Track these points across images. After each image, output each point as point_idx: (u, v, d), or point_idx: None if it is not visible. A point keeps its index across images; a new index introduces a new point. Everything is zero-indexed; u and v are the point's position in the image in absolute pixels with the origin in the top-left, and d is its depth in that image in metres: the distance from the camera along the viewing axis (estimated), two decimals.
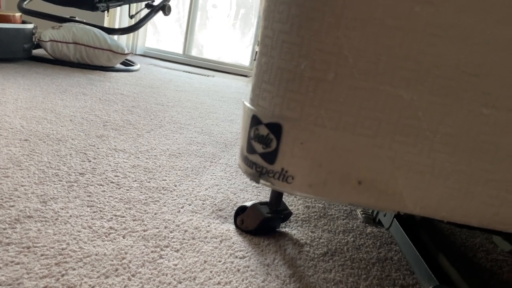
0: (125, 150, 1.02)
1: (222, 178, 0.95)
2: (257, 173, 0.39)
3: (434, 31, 0.34)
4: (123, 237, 0.62)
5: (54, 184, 0.76)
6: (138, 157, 0.98)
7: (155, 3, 2.48)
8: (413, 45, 0.34)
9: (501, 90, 0.34)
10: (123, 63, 2.42)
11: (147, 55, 3.40)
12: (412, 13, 0.33)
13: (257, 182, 0.40)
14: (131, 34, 3.09)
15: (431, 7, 0.33)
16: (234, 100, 2.12)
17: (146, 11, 2.53)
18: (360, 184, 0.36)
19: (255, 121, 0.39)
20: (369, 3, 0.34)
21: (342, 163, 0.35)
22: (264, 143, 0.38)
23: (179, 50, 3.53)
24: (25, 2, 2.29)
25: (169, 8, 2.45)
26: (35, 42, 1.97)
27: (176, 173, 0.92)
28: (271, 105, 0.38)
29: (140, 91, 1.85)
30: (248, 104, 0.42)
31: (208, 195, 0.83)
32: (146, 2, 2.48)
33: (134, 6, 2.81)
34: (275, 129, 0.37)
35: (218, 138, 1.30)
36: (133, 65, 2.45)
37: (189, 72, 2.89)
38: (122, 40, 3.18)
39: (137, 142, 1.10)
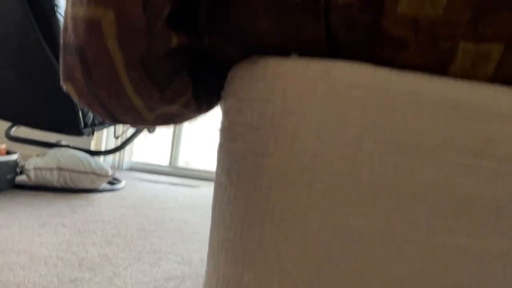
0: None
1: None
2: None
3: (369, 240, 0.35)
4: None
5: None
6: None
7: None
8: (351, 256, 0.35)
9: None
10: (108, 182, 2.44)
11: (134, 169, 3.45)
12: (346, 225, 0.35)
13: None
14: None
15: (364, 219, 0.35)
16: None
17: (131, 130, 2.62)
18: None
19: None
20: (305, 217, 0.35)
21: None
22: None
23: (166, 161, 3.59)
24: (12, 130, 2.37)
25: (154, 127, 2.55)
26: (19, 172, 2.00)
27: None
28: None
29: (123, 214, 1.84)
30: None
31: None
32: None
33: (120, 126, 2.92)
34: None
35: (198, 268, 1.26)
36: (117, 183, 2.47)
37: (175, 184, 2.91)
38: (109, 156, 3.24)
39: (112, 283, 1.06)
